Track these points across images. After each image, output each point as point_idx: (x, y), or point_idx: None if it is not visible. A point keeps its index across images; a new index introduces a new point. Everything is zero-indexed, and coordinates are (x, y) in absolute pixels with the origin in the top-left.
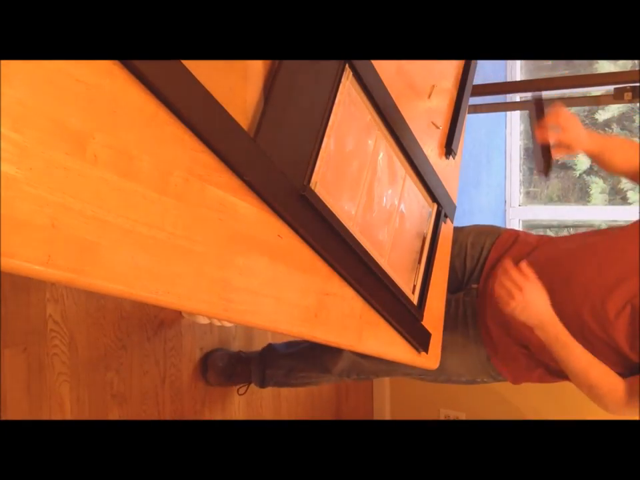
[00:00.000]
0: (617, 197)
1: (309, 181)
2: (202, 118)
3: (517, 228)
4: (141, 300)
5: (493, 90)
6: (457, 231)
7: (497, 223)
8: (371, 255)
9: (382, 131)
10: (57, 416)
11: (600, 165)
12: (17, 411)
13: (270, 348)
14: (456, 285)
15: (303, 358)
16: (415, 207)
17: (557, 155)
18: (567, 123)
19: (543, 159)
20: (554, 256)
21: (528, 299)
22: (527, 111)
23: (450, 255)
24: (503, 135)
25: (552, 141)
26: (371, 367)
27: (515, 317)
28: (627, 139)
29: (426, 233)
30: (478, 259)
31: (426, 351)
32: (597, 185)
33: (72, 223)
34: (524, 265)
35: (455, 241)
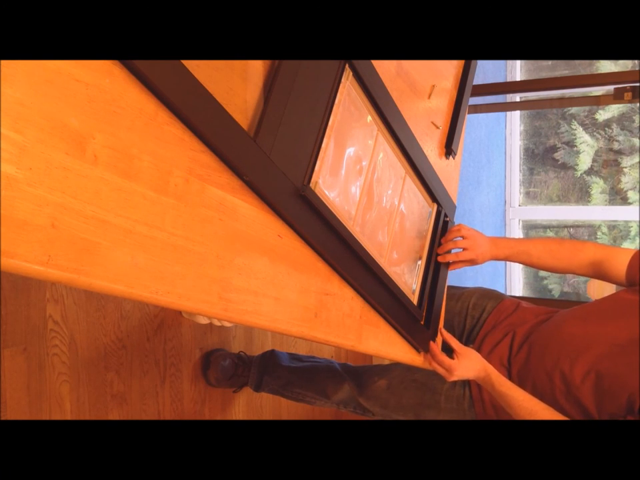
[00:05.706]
0: (617, 197)
1: (309, 181)
2: (202, 118)
3: (516, 298)
4: (140, 300)
5: (493, 90)
6: (461, 289)
7: (496, 222)
8: (371, 254)
9: (382, 131)
10: (57, 416)
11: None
12: (17, 411)
13: (272, 354)
14: None
15: (304, 376)
16: (414, 206)
17: (458, 267)
18: (470, 238)
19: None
20: (537, 329)
21: (460, 371)
22: (527, 112)
23: (451, 312)
24: (503, 135)
25: (456, 258)
26: (365, 405)
27: (462, 379)
28: (542, 239)
29: (426, 232)
30: (478, 320)
31: (426, 350)
32: (597, 185)
33: (72, 223)
34: (443, 331)
35: (457, 299)
